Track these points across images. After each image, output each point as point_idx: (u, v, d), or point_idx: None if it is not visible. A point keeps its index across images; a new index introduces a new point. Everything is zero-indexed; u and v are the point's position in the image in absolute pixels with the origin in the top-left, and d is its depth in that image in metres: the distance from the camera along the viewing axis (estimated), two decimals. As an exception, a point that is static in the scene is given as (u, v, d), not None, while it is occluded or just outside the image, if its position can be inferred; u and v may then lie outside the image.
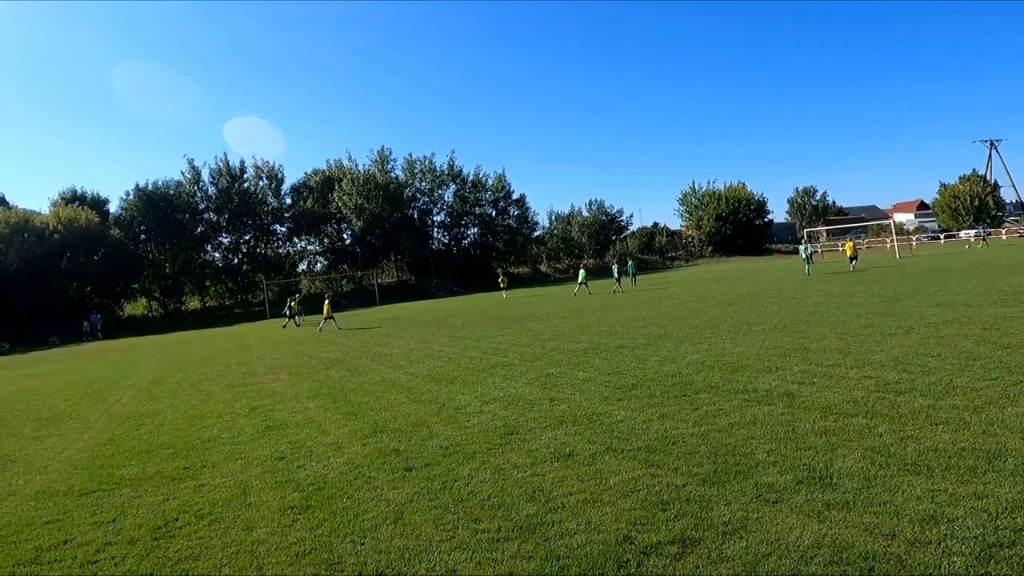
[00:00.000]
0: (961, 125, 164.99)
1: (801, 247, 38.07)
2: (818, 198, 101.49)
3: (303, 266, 77.45)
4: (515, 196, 78.59)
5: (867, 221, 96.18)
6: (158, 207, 64.85)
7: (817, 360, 9.70)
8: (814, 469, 5.20)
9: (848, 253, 35.20)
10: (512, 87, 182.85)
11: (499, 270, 66.41)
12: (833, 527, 4.17)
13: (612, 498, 5.10)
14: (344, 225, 74.03)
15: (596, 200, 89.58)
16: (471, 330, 21.41)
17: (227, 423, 10.02)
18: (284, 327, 35.05)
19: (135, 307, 67.08)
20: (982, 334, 10.39)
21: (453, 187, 76.95)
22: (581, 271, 40.66)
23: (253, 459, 7.61)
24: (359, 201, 68.87)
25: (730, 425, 6.72)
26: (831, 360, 9.58)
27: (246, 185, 69.63)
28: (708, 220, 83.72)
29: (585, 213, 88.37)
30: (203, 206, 68.91)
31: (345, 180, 70.70)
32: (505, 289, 48.74)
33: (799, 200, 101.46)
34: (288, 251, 75.42)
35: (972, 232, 60.91)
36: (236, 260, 70.99)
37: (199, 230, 69.22)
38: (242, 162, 70.16)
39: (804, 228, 75.03)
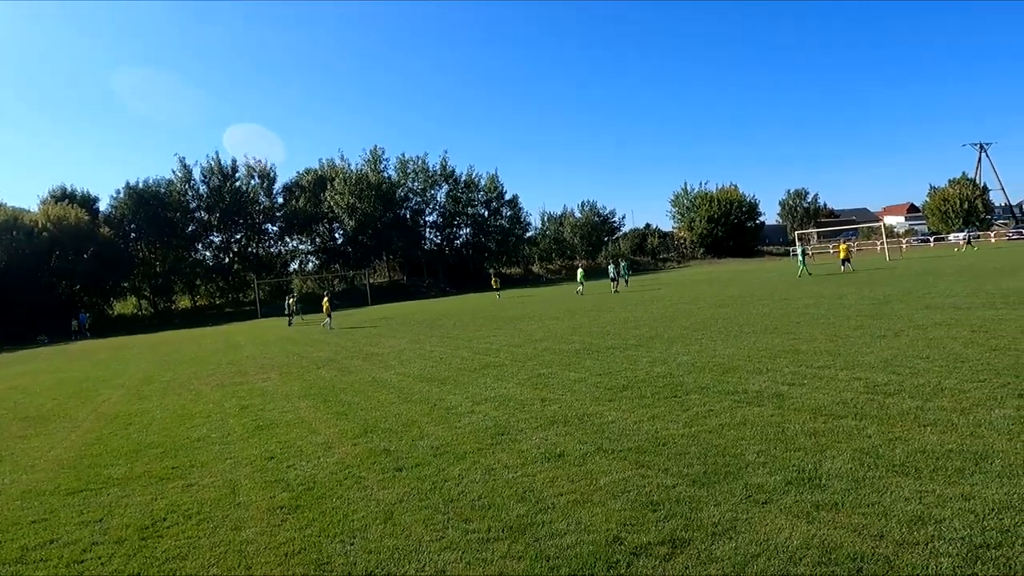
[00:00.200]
0: (952, 128, 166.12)
1: (798, 249, 38.34)
2: (809, 200, 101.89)
3: (295, 265, 77.30)
4: (507, 197, 78.82)
5: (858, 223, 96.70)
6: (149, 205, 64.52)
7: (807, 362, 9.74)
8: (803, 470, 5.22)
9: (842, 255, 35.52)
10: (504, 88, 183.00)
11: (491, 270, 66.44)
12: (822, 528, 4.19)
13: (602, 499, 5.11)
14: (336, 225, 73.89)
15: (588, 201, 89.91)
16: (463, 330, 21.40)
17: (217, 423, 9.97)
18: (291, 325, 35.06)
19: (125, 306, 66.72)
20: (970, 336, 10.46)
21: (446, 187, 76.94)
22: (579, 271, 41.25)
23: (242, 459, 7.58)
24: (351, 201, 68.73)
25: (720, 426, 6.74)
26: (821, 362, 9.62)
27: (238, 184, 69.39)
28: (700, 222, 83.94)
29: (577, 214, 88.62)
30: (194, 205, 68.63)
31: (337, 179, 70.56)
32: (498, 290, 48.79)
33: (791, 202, 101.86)
34: (280, 250, 75.18)
35: (961, 235, 61.33)
36: (227, 259, 70.70)
37: (190, 229, 68.92)
38: (234, 161, 70.04)
39: (795, 230, 75.34)
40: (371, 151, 75.51)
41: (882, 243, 55.75)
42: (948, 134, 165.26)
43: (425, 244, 77.23)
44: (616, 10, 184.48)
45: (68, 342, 45.02)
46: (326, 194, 70.05)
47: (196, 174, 68.28)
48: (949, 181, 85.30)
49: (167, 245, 67.20)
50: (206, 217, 69.13)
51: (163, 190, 66.46)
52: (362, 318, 35.99)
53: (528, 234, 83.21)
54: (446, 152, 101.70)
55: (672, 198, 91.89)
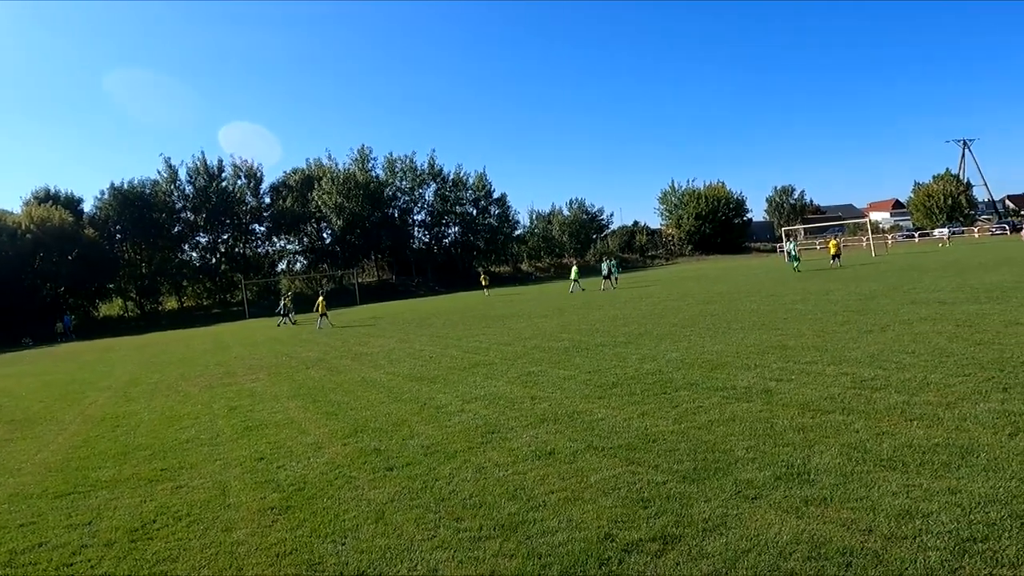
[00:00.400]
0: (935, 125, 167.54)
1: (791, 245, 38.70)
2: (796, 197, 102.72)
3: (282, 265, 76.95)
4: (496, 195, 78.77)
5: (844, 220, 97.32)
6: (134, 206, 64.05)
7: (795, 357, 9.80)
8: (792, 465, 5.26)
9: (832, 251, 36.07)
10: (492, 86, 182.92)
11: (480, 269, 66.41)
12: (811, 523, 4.22)
13: (593, 496, 5.12)
14: (324, 224, 73.68)
15: (577, 199, 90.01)
16: (452, 329, 21.38)
17: (205, 424, 9.92)
18: (294, 323, 34.93)
19: (111, 308, 66.18)
20: (955, 331, 10.56)
21: (434, 186, 76.84)
22: (574, 269, 41.71)
23: (232, 460, 7.54)
24: (339, 200, 68.51)
25: (710, 422, 6.78)
26: (808, 357, 9.69)
27: (224, 184, 69.00)
28: (688, 219, 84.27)
29: (566, 212, 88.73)
30: (180, 205, 68.20)
31: (325, 179, 70.32)
32: (487, 287, 48.86)
33: (777, 199, 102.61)
34: (267, 250, 74.86)
35: (945, 231, 61.95)
36: (214, 260, 70.29)
37: (176, 229, 68.51)
38: (220, 161, 69.68)
39: (782, 227, 75.76)
40: (358, 150, 75.46)
41: (868, 239, 56.20)
42: (932, 131, 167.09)
43: (414, 243, 77.14)
44: (603, 9, 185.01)
45: (53, 344, 44.63)
46: (313, 194, 69.81)
47: (182, 174, 68.00)
48: (933, 177, 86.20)
49: (153, 246, 66.78)
50: (192, 218, 68.71)
51: (148, 191, 66.00)
52: (351, 318, 35.86)
53: (517, 232, 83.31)
54: (434, 151, 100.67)
55: (660, 195, 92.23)
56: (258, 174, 71.38)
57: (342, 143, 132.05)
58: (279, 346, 22.54)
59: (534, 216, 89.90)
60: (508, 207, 79.73)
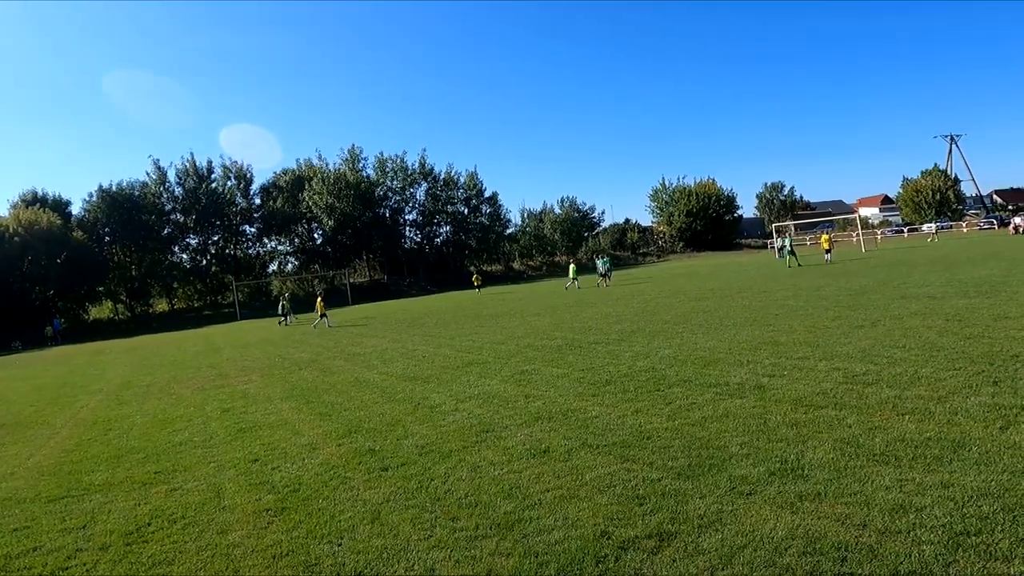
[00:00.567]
0: (924, 120, 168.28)
1: (787, 241, 39.02)
2: (786, 193, 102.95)
3: (273, 267, 76.65)
4: (487, 194, 78.60)
5: (833, 215, 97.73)
6: (123, 208, 63.61)
7: (787, 353, 9.85)
8: (786, 461, 5.29)
9: (824, 246, 36.56)
10: (482, 85, 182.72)
11: (472, 268, 66.37)
12: (806, 518, 4.25)
13: (588, 493, 5.14)
14: (315, 225, 73.42)
15: (568, 197, 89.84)
16: (445, 328, 21.37)
17: (198, 426, 9.89)
18: (286, 324, 34.94)
19: (101, 310, 65.70)
20: (945, 325, 10.64)
21: (425, 185, 76.65)
22: (572, 266, 42.76)
23: (226, 462, 7.52)
24: (330, 200, 68.30)
25: (703, 419, 6.81)
26: (800, 353, 9.74)
27: (214, 185, 68.67)
28: (679, 216, 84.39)
29: (557, 210, 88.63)
30: (169, 207, 67.76)
31: (315, 179, 70.08)
32: (479, 286, 48.93)
33: (767, 195, 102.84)
34: (258, 252, 74.60)
35: (933, 226, 62.34)
36: (204, 261, 69.93)
37: (166, 231, 68.06)
38: (209, 162, 69.24)
39: (772, 223, 76.03)
40: (349, 150, 75.24)
41: (857, 234, 56.49)
42: (920, 127, 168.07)
43: (405, 243, 76.96)
44: (594, 6, 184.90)
45: (43, 348, 44.35)
46: (304, 194, 69.57)
47: (171, 176, 67.57)
48: (922, 172, 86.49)
49: (143, 248, 66.35)
50: (182, 219, 68.27)
51: (137, 193, 65.58)
52: (343, 318, 35.78)
53: (508, 231, 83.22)
54: (424, 150, 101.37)
55: (651, 193, 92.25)
56: (248, 175, 71.13)
57: (332, 143, 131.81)
58: (271, 347, 22.47)
59: (525, 214, 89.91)
60: (499, 206, 79.71)
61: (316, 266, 73.43)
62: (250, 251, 73.75)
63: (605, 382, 9.34)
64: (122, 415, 11.78)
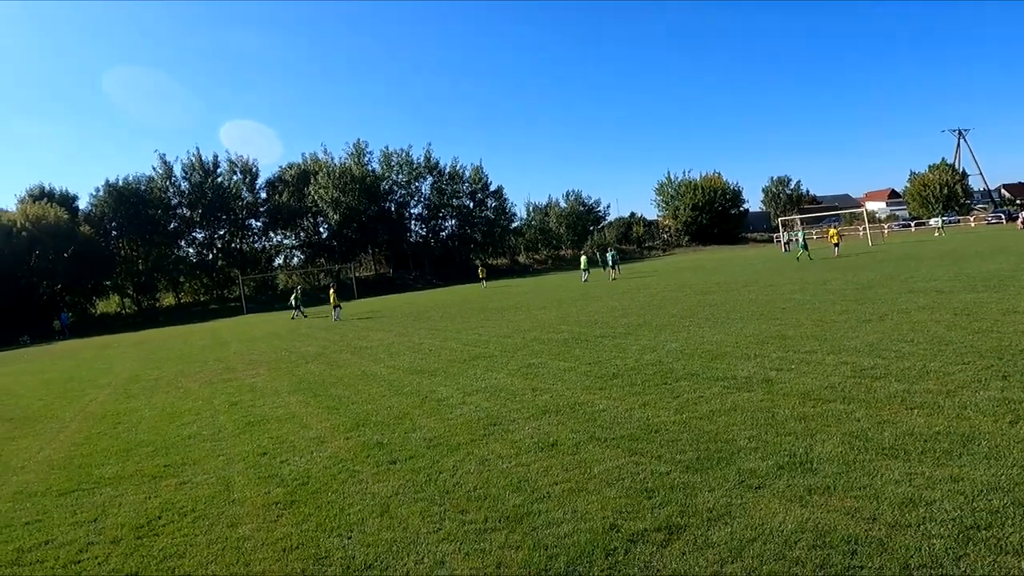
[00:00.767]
0: (932, 114, 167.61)
1: (801, 234, 39.16)
2: (792, 187, 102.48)
3: (279, 260, 76.81)
4: (492, 188, 78.65)
5: (840, 209, 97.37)
6: (129, 203, 63.88)
7: (794, 347, 9.83)
8: (795, 454, 5.29)
9: (834, 240, 36.69)
10: (488, 80, 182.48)
11: (477, 262, 66.38)
12: (815, 511, 4.24)
13: (597, 487, 5.15)
14: (320, 219, 73.55)
15: (573, 191, 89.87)
16: (451, 322, 21.39)
17: (207, 420, 9.93)
18: (305, 316, 35.10)
19: (108, 304, 66.09)
20: (953, 319, 10.60)
21: (430, 179, 76.73)
22: (583, 258, 42.71)
23: (235, 455, 7.56)
24: (335, 194, 68.39)
25: (711, 412, 6.80)
26: (808, 347, 9.72)
27: (220, 180, 68.91)
28: (684, 210, 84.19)
29: (563, 204, 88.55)
30: (176, 201, 68.09)
31: (321, 173, 70.17)
32: (484, 280, 48.99)
33: (774, 189, 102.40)
34: (264, 246, 74.90)
35: (938, 220, 62.08)
36: (211, 255, 70.23)
37: (172, 226, 68.36)
38: (215, 157, 69.52)
39: (778, 217, 75.76)
40: (354, 144, 75.37)
41: (864, 228, 56.27)
42: (928, 121, 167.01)
43: (411, 236, 77.05)
44: (594, 2, 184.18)
45: (51, 342, 44.56)
46: (310, 188, 69.67)
47: (177, 171, 67.93)
48: (929, 167, 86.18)
49: (149, 242, 66.63)
50: (188, 214, 68.56)
51: (144, 187, 65.87)
52: (349, 312, 35.81)
53: (514, 225, 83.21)
54: (430, 144, 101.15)
55: (657, 187, 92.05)
56: (254, 169, 71.31)
57: (338, 138, 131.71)
58: (278, 341, 22.54)
59: (531, 208, 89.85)
60: (505, 199, 79.82)
61: (322, 260, 73.57)
62: (256, 245, 74.04)
63: (612, 375, 9.34)
64: (131, 409, 11.84)
